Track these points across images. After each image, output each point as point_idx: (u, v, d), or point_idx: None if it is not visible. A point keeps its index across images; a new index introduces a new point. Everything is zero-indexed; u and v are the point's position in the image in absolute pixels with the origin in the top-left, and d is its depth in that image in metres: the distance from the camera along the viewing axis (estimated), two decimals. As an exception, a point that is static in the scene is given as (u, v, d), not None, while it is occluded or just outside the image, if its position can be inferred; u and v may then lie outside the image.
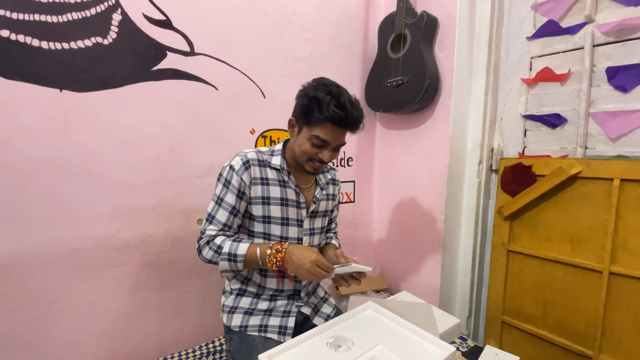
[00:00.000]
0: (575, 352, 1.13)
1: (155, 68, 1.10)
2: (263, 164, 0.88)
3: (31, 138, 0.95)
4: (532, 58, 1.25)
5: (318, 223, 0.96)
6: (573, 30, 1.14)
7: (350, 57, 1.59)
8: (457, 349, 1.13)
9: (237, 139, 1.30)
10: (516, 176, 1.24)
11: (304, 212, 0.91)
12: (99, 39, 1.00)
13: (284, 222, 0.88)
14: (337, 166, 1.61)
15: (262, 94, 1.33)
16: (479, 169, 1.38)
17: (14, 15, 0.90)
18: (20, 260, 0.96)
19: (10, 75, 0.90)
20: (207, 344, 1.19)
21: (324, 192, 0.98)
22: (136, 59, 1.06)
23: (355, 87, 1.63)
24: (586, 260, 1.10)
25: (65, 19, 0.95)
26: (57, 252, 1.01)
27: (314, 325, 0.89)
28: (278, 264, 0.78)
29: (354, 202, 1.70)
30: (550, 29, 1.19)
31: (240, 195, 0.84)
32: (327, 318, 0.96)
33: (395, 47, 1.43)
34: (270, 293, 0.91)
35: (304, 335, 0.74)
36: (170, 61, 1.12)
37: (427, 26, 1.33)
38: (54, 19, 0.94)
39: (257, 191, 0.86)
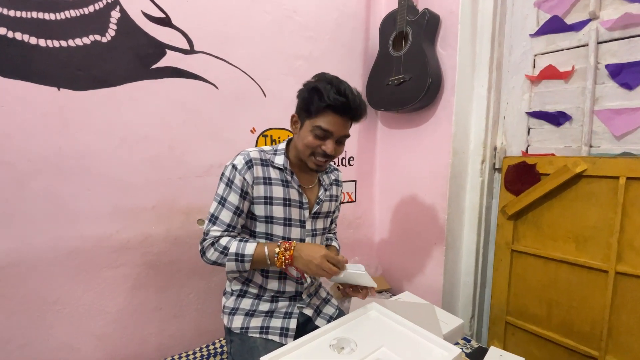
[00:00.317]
0: (581, 352, 1.12)
1: (154, 66, 1.09)
2: (266, 163, 0.86)
3: (29, 137, 0.93)
4: (535, 55, 1.24)
5: (320, 224, 0.95)
6: (577, 27, 1.12)
7: (351, 55, 1.58)
8: (461, 350, 1.12)
9: (238, 138, 1.28)
10: (520, 175, 1.23)
11: (306, 212, 0.90)
12: (97, 37, 0.99)
13: (287, 222, 0.87)
14: (338, 165, 1.59)
15: (263, 93, 1.32)
16: (481, 167, 1.37)
17: (12, 13, 0.88)
18: (18, 260, 0.95)
19: (7, 73, 0.89)
20: (207, 346, 1.18)
21: (328, 193, 0.96)
22: (135, 57, 1.05)
23: (356, 85, 1.58)
24: (592, 260, 1.08)
25: (63, 17, 0.94)
26: (56, 252, 1.00)
27: (316, 327, 0.88)
28: (287, 262, 0.77)
29: (355, 201, 1.69)
30: (553, 26, 1.18)
31: (244, 195, 0.83)
32: (330, 319, 0.94)
33: (397, 45, 1.42)
34: (272, 294, 0.90)
35: (306, 337, 0.72)
36: (169, 59, 1.11)
37: (429, 24, 1.31)
38: (52, 16, 0.93)
39: (259, 191, 0.84)
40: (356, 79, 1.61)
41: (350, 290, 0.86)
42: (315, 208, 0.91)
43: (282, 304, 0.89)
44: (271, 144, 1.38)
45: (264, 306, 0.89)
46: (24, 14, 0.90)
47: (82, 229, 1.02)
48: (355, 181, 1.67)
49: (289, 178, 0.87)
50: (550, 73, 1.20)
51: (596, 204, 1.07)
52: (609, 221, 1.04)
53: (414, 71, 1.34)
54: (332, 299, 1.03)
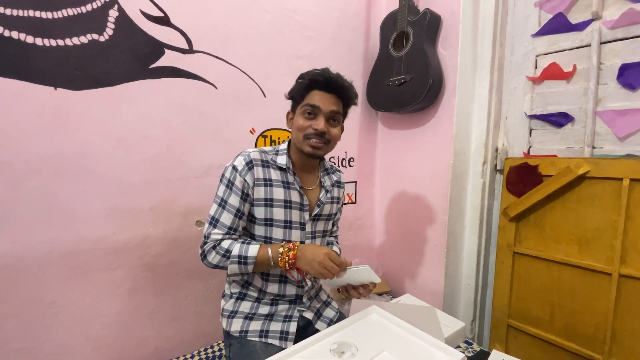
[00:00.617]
0: (584, 356, 1.10)
1: (152, 66, 1.07)
2: (267, 164, 0.85)
3: (25, 136, 0.92)
4: (537, 56, 1.23)
5: (320, 226, 0.93)
6: (579, 27, 1.12)
7: (351, 55, 1.57)
8: (463, 354, 1.10)
9: (237, 138, 1.27)
10: (522, 176, 1.22)
11: (306, 214, 0.88)
12: (95, 36, 0.98)
13: (287, 225, 0.86)
14: (338, 167, 1.58)
15: (262, 93, 1.31)
16: (483, 169, 1.36)
17: (8, 11, 0.87)
18: (13, 262, 0.93)
19: (3, 72, 0.87)
20: (206, 349, 1.16)
21: (329, 194, 0.95)
22: (133, 56, 1.04)
23: (356, 85, 1.59)
24: (595, 262, 1.07)
25: (61, 15, 0.93)
26: (52, 254, 0.98)
27: (317, 330, 0.87)
28: (290, 262, 0.77)
29: (355, 203, 1.67)
30: (555, 26, 1.17)
31: (244, 197, 0.82)
32: (330, 322, 0.93)
33: (398, 45, 1.41)
34: (272, 297, 0.88)
35: (306, 341, 0.71)
36: (168, 59, 1.10)
37: (430, 24, 1.31)
38: (49, 15, 0.92)
39: (259, 193, 0.83)
40: (357, 79, 1.60)
41: (351, 290, 0.84)
42: (316, 210, 0.90)
43: (282, 307, 0.88)
44: (271, 145, 1.36)
45: (264, 309, 0.87)
46: (20, 13, 0.88)
47: (78, 230, 1.01)
48: (355, 182, 1.66)
49: (290, 179, 0.86)
50: (552, 73, 1.19)
51: (599, 205, 1.06)
52: (612, 223, 1.03)
53: (415, 72, 1.33)
54: (332, 301, 1.02)
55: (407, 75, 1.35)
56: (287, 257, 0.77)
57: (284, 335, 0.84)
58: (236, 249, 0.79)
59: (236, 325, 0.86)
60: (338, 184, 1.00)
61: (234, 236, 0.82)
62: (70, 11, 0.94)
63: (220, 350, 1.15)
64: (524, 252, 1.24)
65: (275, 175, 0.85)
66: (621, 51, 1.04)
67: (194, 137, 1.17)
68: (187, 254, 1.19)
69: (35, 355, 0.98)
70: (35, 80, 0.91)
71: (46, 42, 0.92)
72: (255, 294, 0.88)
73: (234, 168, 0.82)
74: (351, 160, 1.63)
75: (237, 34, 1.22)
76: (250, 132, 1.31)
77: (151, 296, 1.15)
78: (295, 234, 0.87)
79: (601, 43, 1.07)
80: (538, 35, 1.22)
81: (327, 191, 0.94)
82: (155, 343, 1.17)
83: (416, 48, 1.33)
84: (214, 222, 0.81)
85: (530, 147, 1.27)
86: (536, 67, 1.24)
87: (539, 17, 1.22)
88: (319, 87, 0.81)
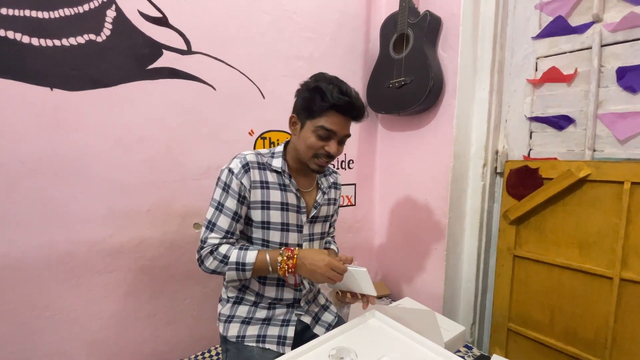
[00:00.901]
0: (585, 361, 1.09)
1: (150, 67, 1.06)
2: (263, 166, 0.84)
3: (21, 138, 0.91)
4: (537, 58, 1.23)
5: (318, 228, 0.92)
6: (580, 29, 1.11)
7: (351, 57, 1.56)
8: (463, 358, 1.09)
9: (235, 140, 1.26)
10: (522, 179, 1.21)
11: (304, 217, 0.87)
12: (92, 36, 0.97)
13: (284, 227, 0.84)
14: (337, 168, 1.57)
15: (262, 94, 1.30)
16: (483, 171, 1.35)
17: (4, 11, 0.86)
18: (8, 264, 0.92)
19: (-1, 72, 0.87)
20: (203, 353, 1.15)
21: (326, 196, 0.94)
22: (131, 57, 1.03)
23: (356, 87, 1.56)
24: (596, 266, 1.06)
25: (57, 15, 0.92)
26: (47, 256, 0.97)
27: (315, 335, 0.86)
28: (290, 270, 0.75)
29: (354, 205, 1.66)
30: (556, 29, 1.16)
31: (241, 199, 0.80)
32: (329, 327, 0.92)
33: (398, 47, 1.40)
34: (269, 301, 0.87)
35: (304, 346, 0.70)
36: (166, 60, 1.09)
37: (431, 26, 1.30)
38: (46, 15, 0.91)
39: (256, 195, 0.82)
40: (356, 81, 1.59)
41: (350, 298, 0.83)
42: (313, 212, 0.89)
43: (280, 311, 0.87)
44: (270, 146, 1.35)
45: (261, 313, 0.86)
46: (16, 12, 0.87)
47: (74, 232, 1.00)
48: (354, 184, 1.65)
49: (286, 181, 0.85)
50: (552, 76, 1.18)
51: (600, 209, 1.05)
52: (613, 227, 1.02)
53: (415, 74, 1.32)
54: (330, 305, 1.01)
55: (407, 77, 1.34)
56: (286, 266, 0.75)
57: (281, 340, 0.83)
58: (234, 255, 0.77)
59: (233, 330, 0.84)
60: (335, 186, 0.99)
61: (231, 240, 0.81)
62: (67, 11, 0.93)
63: (217, 354, 1.14)
64: (525, 256, 1.23)
65: (271, 177, 0.84)
66: (622, 54, 1.03)
67: (192, 138, 1.17)
68: (185, 257, 1.18)
69: (29, 358, 0.97)
70: (31, 81, 0.91)
71: (42, 42, 0.91)
72: (252, 298, 0.87)
73: (230, 171, 0.80)
74: (350, 162, 1.62)
75: (236, 35, 1.22)
76: (249, 133, 1.30)
77: (148, 299, 1.13)
78: (293, 237, 0.86)
79: (602, 46, 1.06)
80: (538, 38, 1.21)
81: (324, 193, 0.93)
82: (151, 347, 1.16)
83: (416, 50, 1.32)
84: (211, 226, 0.80)
85: (530, 149, 1.27)
86: (536, 70, 1.23)
87: (540, 19, 1.21)
88: (338, 110, 0.77)
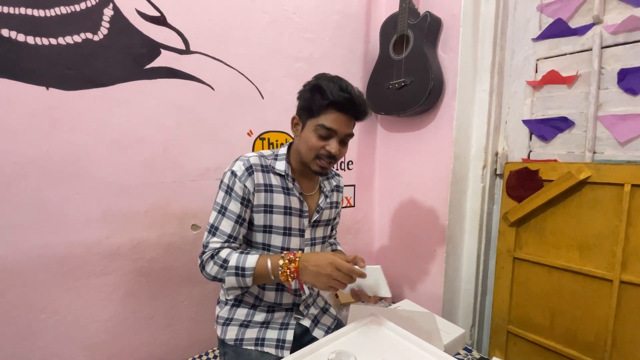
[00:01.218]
0: (585, 363, 1.09)
1: (148, 66, 1.05)
2: (266, 169, 0.82)
3: (15, 138, 0.90)
4: (537, 60, 1.22)
5: (320, 232, 0.91)
6: (580, 31, 1.11)
7: (351, 57, 1.55)
8: (463, 361, 1.09)
9: (234, 140, 1.25)
10: (522, 181, 1.21)
11: (306, 221, 0.86)
12: (89, 35, 0.96)
13: (286, 232, 0.83)
14: (337, 169, 1.56)
15: (261, 95, 1.29)
16: (483, 173, 1.35)
17: (-1, 9, 0.85)
18: (3, 266, 0.91)
19: (-7, 71, 0.85)
20: (201, 356, 1.14)
21: (328, 200, 0.92)
22: (128, 56, 1.02)
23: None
24: (596, 269, 1.06)
25: (53, 14, 0.91)
26: (43, 258, 0.96)
27: (314, 338, 0.85)
28: (292, 275, 0.71)
29: (354, 206, 1.66)
30: (556, 30, 1.16)
31: (245, 203, 0.78)
32: (328, 330, 0.91)
33: (398, 48, 1.40)
34: (268, 305, 0.86)
35: (303, 350, 0.69)
36: (164, 59, 1.08)
37: (431, 27, 1.30)
38: (41, 13, 0.89)
39: (260, 199, 0.80)
40: (356, 82, 1.58)
41: (362, 295, 0.80)
42: (315, 216, 0.88)
43: (279, 315, 0.86)
44: (269, 147, 1.34)
45: (260, 316, 0.85)
46: (11, 10, 0.86)
47: (71, 234, 0.98)
48: (354, 185, 1.64)
49: (290, 185, 0.83)
50: (553, 78, 1.18)
51: (600, 211, 1.05)
52: (613, 229, 1.02)
53: (415, 75, 1.32)
54: (330, 308, 1.00)
55: (407, 79, 1.34)
56: (288, 271, 0.71)
57: (280, 344, 0.82)
58: (233, 259, 0.74)
59: (231, 333, 0.83)
60: (337, 189, 0.98)
61: (233, 244, 0.79)
62: (64, 9, 0.92)
63: (215, 357, 1.12)
64: (524, 258, 1.22)
65: (275, 180, 0.83)
66: (622, 56, 1.03)
67: (191, 139, 1.15)
68: (183, 259, 1.17)
69: (25, 362, 0.96)
70: (26, 80, 0.89)
71: (38, 40, 0.89)
72: (251, 301, 0.86)
73: (233, 173, 0.79)
74: (350, 163, 1.61)
75: (235, 35, 1.21)
76: (248, 134, 1.29)
77: (145, 301, 1.12)
78: (295, 241, 0.85)
79: (602, 47, 1.06)
80: (539, 39, 1.21)
81: (326, 196, 0.92)
82: (149, 349, 1.14)
83: (416, 51, 1.31)
84: (213, 230, 0.78)
85: (530, 151, 1.26)
86: (537, 71, 1.23)
87: (540, 20, 1.21)
88: (338, 108, 0.75)
